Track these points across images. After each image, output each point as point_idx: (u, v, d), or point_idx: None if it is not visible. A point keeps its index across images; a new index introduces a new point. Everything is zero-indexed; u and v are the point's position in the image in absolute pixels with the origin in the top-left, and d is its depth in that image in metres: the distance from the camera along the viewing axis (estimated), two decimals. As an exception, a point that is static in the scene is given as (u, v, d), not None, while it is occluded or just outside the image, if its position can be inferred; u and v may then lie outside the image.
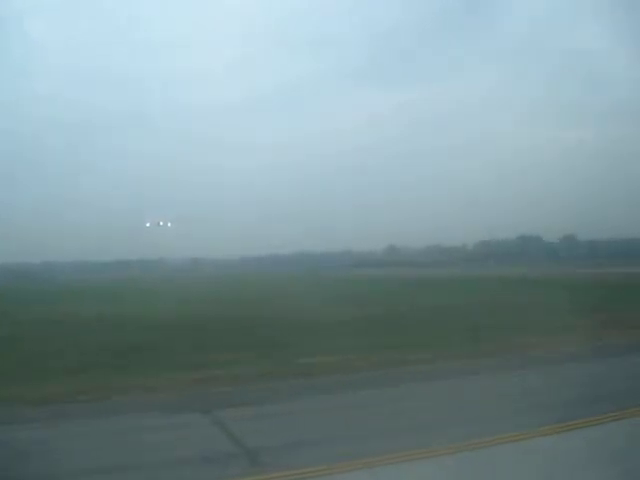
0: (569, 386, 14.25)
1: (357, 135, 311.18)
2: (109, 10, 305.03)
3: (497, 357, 19.07)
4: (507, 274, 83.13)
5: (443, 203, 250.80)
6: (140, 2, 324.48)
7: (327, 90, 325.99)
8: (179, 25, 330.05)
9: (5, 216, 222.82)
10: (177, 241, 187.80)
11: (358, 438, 10.56)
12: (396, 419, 11.84)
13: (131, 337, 24.97)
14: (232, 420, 11.85)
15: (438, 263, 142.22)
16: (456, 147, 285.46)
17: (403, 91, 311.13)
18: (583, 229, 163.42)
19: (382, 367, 17.58)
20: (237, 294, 60.56)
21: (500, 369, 17.31)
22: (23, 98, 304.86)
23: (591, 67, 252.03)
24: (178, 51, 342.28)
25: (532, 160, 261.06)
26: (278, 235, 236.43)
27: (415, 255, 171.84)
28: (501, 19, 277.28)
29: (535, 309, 32.23)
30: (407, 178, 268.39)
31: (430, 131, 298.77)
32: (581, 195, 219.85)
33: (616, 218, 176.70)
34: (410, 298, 46.15)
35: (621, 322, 26.12)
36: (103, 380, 15.87)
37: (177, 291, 70.94)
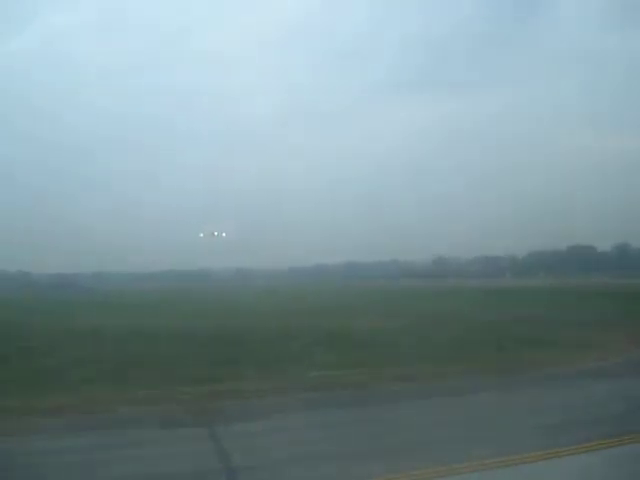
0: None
1: (406, 148, 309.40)
2: (158, 19, 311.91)
3: (518, 373, 18.59)
4: (555, 285, 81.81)
5: (492, 213, 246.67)
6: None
7: (377, 100, 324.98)
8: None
9: (55, 228, 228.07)
10: (228, 252, 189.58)
11: (359, 456, 10.43)
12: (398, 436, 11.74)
13: (150, 349, 25.18)
14: (230, 436, 11.86)
15: (486, 274, 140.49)
16: (505, 156, 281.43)
17: (453, 101, 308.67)
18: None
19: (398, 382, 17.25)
20: (278, 306, 61.08)
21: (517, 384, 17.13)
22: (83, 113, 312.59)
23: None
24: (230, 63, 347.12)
25: (584, 167, 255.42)
26: (326, 245, 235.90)
27: (463, 266, 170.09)
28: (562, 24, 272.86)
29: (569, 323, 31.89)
30: (456, 188, 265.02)
31: (479, 140, 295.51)
32: (635, 202, 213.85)
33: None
34: (449, 312, 45.22)
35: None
36: (99, 393, 15.94)
37: (218, 302, 71.69)
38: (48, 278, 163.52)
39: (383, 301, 63.59)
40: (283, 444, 11.14)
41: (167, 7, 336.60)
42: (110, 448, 11.23)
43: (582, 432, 11.21)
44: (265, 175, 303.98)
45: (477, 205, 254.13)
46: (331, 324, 35.78)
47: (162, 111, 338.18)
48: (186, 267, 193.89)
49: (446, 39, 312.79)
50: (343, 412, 14.23)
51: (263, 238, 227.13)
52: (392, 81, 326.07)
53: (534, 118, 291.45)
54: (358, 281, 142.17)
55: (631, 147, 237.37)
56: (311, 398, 15.56)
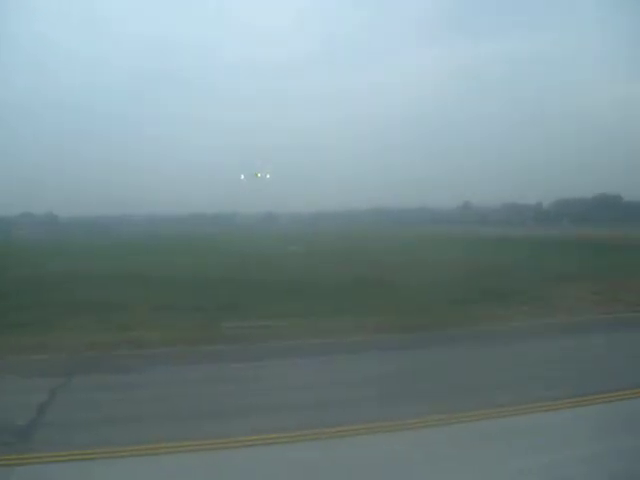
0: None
1: (438, 89, 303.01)
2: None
3: (455, 329, 18.10)
4: (569, 235, 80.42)
5: (521, 160, 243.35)
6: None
7: (408, 41, 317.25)
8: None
9: (83, 169, 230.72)
10: (265, 196, 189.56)
11: (187, 417, 10.30)
12: (242, 398, 11.51)
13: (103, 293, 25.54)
14: (75, 389, 12.00)
15: (510, 221, 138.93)
16: (532, 104, 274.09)
17: (482, 45, 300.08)
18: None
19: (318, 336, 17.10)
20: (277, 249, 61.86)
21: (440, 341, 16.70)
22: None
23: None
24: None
25: (613, 115, 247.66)
26: (355, 190, 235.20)
27: (490, 213, 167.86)
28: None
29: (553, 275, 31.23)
30: (485, 135, 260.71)
31: (505, 88, 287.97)
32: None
33: None
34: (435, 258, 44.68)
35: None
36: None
37: (231, 246, 72.22)
38: (75, 220, 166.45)
39: (379, 247, 62.88)
40: (117, 402, 11.13)
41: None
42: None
43: (421, 403, 10.83)
44: (297, 125, 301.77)
45: (507, 153, 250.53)
46: (306, 271, 36.32)
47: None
48: (218, 210, 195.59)
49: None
50: (221, 367, 14.03)
51: (297, 184, 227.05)
52: (424, 26, 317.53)
53: (567, 66, 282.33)
54: (383, 226, 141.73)
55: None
56: (213, 350, 15.57)
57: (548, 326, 18.66)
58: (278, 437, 9.23)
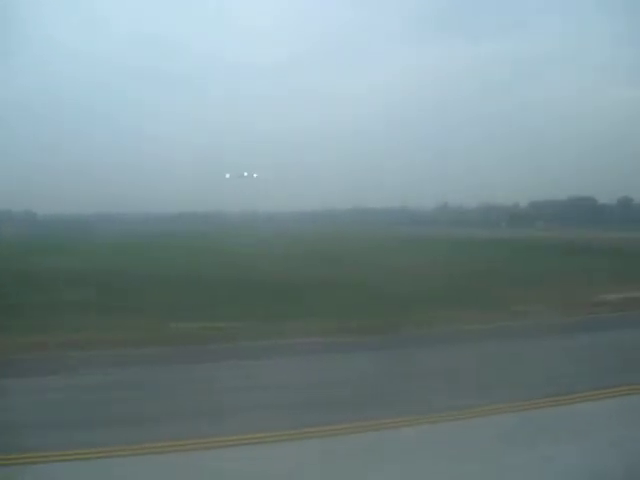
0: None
1: (410, 91, 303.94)
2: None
3: (383, 334, 18.10)
4: (540, 237, 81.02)
5: (498, 161, 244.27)
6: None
7: (386, 42, 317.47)
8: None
9: (67, 168, 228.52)
10: (249, 195, 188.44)
11: (89, 424, 10.15)
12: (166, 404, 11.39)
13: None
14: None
15: (487, 222, 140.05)
16: (512, 106, 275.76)
17: (463, 48, 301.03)
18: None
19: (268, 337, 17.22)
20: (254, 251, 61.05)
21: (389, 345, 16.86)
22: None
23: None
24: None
25: (590, 119, 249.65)
26: (338, 190, 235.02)
27: (467, 213, 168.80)
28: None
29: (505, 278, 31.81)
30: (463, 136, 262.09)
31: (484, 89, 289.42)
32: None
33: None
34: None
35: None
36: None
37: (206, 245, 72.10)
38: (55, 218, 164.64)
39: (351, 248, 62.97)
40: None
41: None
42: None
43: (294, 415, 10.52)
44: (280, 120, 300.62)
45: (485, 155, 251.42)
46: (272, 271, 36.36)
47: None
48: (201, 209, 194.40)
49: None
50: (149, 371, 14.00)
51: (283, 184, 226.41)
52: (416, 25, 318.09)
53: (548, 68, 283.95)
54: (361, 226, 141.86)
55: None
56: (152, 353, 15.54)
57: (492, 330, 18.84)
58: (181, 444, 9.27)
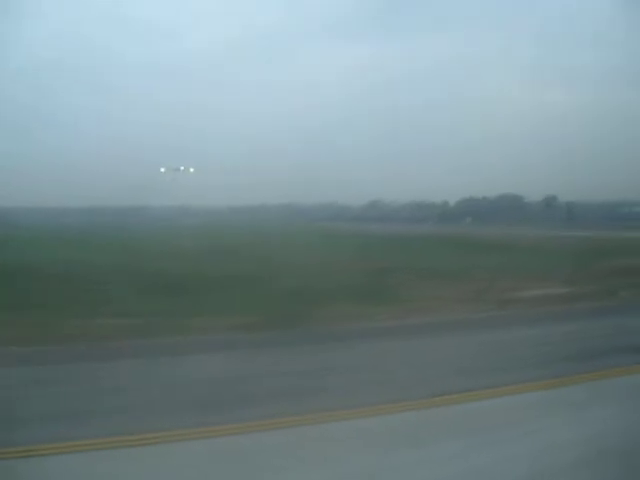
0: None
1: (343, 87, 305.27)
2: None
3: (280, 330, 17.64)
4: (471, 234, 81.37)
5: (428, 159, 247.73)
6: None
7: (308, 40, 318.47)
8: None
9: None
10: (183, 188, 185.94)
11: None
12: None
13: None
14: None
15: (417, 219, 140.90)
16: (442, 104, 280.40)
17: (388, 44, 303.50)
18: (569, 191, 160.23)
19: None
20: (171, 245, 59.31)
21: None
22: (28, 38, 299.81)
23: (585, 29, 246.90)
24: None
25: (518, 119, 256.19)
26: (268, 185, 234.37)
27: (397, 210, 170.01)
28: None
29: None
30: (392, 133, 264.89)
31: (416, 86, 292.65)
32: (567, 157, 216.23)
33: (602, 181, 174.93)
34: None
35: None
36: None
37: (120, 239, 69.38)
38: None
39: (270, 244, 60.78)
40: None
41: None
42: None
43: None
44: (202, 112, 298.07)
45: (416, 151, 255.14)
46: (183, 266, 34.36)
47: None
48: (132, 203, 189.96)
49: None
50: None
51: (217, 178, 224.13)
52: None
53: (474, 68, 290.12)
54: (289, 222, 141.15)
55: (567, 100, 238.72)
56: (34, 352, 14.66)
57: (391, 328, 18.38)
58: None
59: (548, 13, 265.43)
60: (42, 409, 10.27)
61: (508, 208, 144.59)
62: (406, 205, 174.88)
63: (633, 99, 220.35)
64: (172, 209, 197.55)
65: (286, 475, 7.96)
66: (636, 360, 13.68)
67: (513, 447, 8.85)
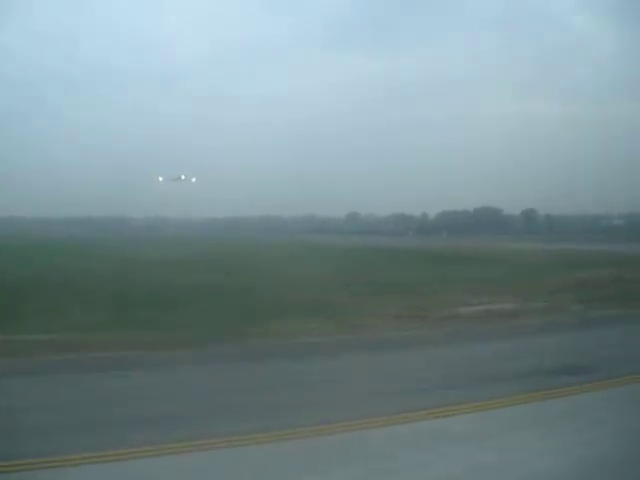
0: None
1: (328, 103, 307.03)
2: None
3: (205, 347, 16.84)
4: (446, 246, 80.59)
5: (408, 172, 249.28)
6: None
7: (294, 54, 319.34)
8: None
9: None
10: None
11: None
12: None
13: None
14: None
15: (396, 232, 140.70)
16: (421, 118, 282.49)
17: (373, 60, 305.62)
18: (549, 205, 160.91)
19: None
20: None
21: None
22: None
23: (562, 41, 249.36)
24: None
25: (499, 134, 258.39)
26: (248, 198, 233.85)
27: (377, 223, 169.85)
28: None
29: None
30: (374, 147, 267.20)
31: (396, 102, 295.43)
32: (548, 171, 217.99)
33: (583, 195, 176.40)
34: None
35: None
36: None
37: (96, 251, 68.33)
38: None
39: (234, 257, 60.28)
40: None
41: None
42: None
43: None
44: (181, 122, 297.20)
45: (397, 164, 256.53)
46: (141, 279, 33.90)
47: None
48: (104, 214, 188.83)
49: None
50: None
51: (199, 188, 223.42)
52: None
53: (453, 82, 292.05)
54: (265, 234, 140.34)
55: (550, 113, 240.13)
56: None
57: (317, 345, 17.50)
58: None
59: (527, 29, 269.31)
60: None
61: (487, 221, 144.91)
62: (387, 218, 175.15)
63: (614, 115, 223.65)
64: (150, 220, 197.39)
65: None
66: (551, 384, 12.48)
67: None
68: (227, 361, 15.39)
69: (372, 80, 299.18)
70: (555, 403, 11.48)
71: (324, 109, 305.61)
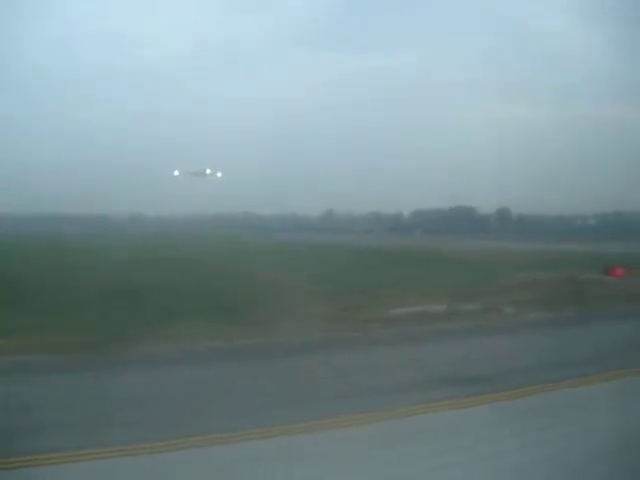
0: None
1: (308, 103, 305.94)
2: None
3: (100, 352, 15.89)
4: (417, 245, 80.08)
5: (383, 171, 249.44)
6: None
7: (270, 55, 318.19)
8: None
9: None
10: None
11: None
12: None
13: None
14: None
15: (369, 231, 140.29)
16: (402, 121, 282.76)
17: (353, 63, 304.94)
18: (524, 204, 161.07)
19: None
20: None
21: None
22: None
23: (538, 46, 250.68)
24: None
25: (475, 134, 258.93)
26: (227, 194, 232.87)
27: (353, 222, 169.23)
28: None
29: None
30: (352, 147, 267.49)
31: (372, 101, 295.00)
32: (523, 171, 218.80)
33: (558, 195, 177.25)
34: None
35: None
36: None
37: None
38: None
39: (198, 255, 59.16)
40: None
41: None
42: None
43: None
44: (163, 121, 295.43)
45: (374, 164, 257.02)
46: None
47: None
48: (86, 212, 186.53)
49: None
50: None
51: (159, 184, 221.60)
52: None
53: (432, 83, 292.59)
54: (240, 232, 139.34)
55: (525, 115, 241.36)
56: None
57: (224, 349, 16.96)
58: None
59: (507, 30, 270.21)
60: None
61: (461, 220, 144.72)
62: (362, 216, 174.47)
63: (591, 115, 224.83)
64: (124, 218, 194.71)
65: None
66: (450, 394, 11.79)
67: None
68: (99, 368, 14.37)
69: (355, 81, 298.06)
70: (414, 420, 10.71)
71: (307, 109, 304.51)
